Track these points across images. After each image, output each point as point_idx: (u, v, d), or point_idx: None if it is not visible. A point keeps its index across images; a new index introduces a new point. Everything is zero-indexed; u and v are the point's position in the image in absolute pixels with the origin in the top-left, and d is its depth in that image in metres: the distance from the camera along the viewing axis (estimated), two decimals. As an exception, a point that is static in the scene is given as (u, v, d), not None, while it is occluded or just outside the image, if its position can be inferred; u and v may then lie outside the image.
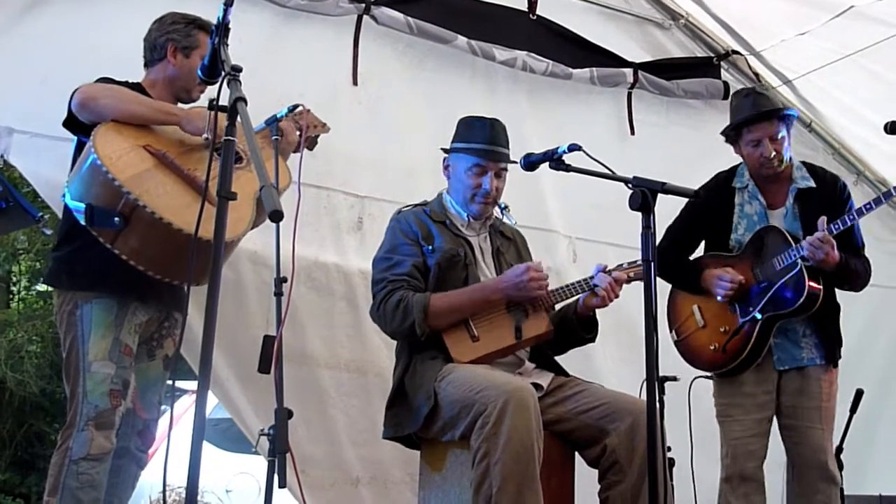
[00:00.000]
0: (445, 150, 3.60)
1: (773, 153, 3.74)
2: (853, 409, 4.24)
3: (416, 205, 3.64)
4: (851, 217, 3.60)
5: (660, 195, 2.77)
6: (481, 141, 3.46)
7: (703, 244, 4.05)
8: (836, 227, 3.57)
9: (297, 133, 3.62)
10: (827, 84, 5.25)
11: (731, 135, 3.89)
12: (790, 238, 3.70)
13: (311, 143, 3.79)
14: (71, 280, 3.27)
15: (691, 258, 4.04)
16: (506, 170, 3.52)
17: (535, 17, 4.97)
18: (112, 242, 3.02)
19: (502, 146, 3.49)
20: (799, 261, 3.61)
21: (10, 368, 8.17)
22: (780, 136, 3.76)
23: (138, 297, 3.26)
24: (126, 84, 3.36)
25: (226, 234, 3.09)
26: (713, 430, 3.91)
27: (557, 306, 3.53)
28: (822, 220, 3.57)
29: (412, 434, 3.32)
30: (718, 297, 3.79)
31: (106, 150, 3.02)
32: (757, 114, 3.77)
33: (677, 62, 5.41)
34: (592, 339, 3.59)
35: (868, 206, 3.59)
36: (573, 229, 5.08)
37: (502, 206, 3.51)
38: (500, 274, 3.49)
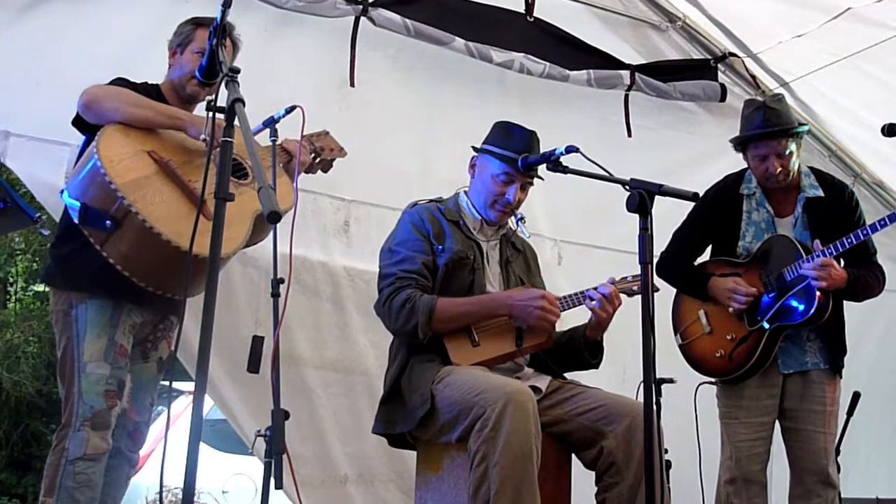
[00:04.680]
0: (476, 149, 3.54)
1: (779, 169, 3.71)
2: (850, 412, 4.24)
3: (430, 200, 3.59)
4: (864, 232, 3.56)
5: (657, 197, 2.76)
6: (517, 150, 3.38)
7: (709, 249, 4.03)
8: (849, 241, 3.54)
9: (312, 155, 3.62)
10: (824, 86, 5.24)
11: (738, 146, 3.86)
12: (800, 247, 3.67)
13: (327, 167, 3.75)
14: (66, 279, 3.25)
15: (697, 262, 4.02)
16: (531, 183, 3.48)
17: (532, 20, 4.95)
18: (102, 245, 3.01)
19: None
20: None
21: (7, 369, 8.18)
22: (787, 153, 3.70)
23: (133, 298, 3.24)
24: (144, 86, 3.35)
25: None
26: (711, 435, 3.91)
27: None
28: (817, 243, 3.57)
29: (405, 433, 3.31)
30: (731, 310, 3.78)
31: (108, 152, 3.00)
32: (763, 132, 3.71)
33: (674, 64, 5.39)
34: (596, 366, 3.52)
35: (882, 223, 3.53)
36: (558, 232, 5.07)
37: (518, 216, 3.48)
38: (506, 283, 3.48)
